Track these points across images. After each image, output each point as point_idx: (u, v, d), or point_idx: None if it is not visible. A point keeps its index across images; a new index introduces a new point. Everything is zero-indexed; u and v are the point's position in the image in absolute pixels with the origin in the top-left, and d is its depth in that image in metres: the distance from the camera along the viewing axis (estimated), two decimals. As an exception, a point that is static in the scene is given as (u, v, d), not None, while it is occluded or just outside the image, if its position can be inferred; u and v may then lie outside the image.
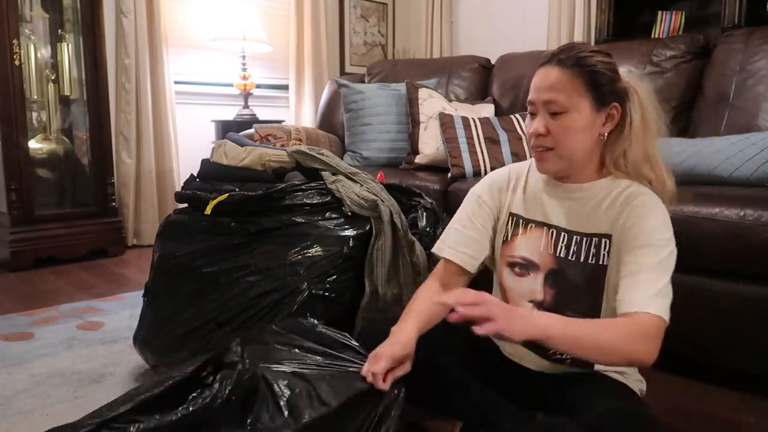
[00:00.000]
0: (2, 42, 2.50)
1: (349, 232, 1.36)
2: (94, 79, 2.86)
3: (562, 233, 1.04)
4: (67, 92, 2.91)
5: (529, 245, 1.08)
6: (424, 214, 1.53)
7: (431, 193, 2.04)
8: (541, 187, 1.09)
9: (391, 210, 1.38)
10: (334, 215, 1.38)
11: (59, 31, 2.90)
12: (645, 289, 0.90)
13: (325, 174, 1.47)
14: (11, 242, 2.62)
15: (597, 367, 1.03)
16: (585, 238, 1.01)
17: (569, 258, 1.03)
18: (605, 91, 0.97)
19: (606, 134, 1.00)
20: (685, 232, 1.31)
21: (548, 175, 1.07)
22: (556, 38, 3.20)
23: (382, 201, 1.39)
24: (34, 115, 2.88)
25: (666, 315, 0.89)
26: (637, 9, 2.98)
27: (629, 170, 1.00)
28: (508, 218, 1.12)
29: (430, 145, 2.44)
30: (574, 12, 3.15)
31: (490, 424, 0.95)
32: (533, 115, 1.01)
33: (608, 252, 0.99)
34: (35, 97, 2.81)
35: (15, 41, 2.53)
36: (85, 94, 2.89)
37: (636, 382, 1.05)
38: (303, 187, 1.42)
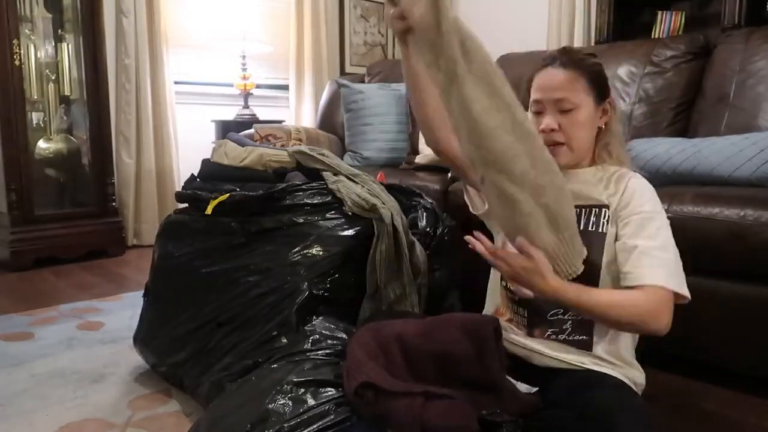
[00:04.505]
0: (2, 42, 2.50)
1: (350, 232, 1.35)
2: (94, 79, 2.86)
3: None
4: (67, 92, 2.92)
5: None
6: (424, 214, 1.52)
7: (431, 193, 2.04)
8: None
9: (392, 213, 1.38)
10: (334, 215, 1.38)
11: (59, 31, 2.90)
12: (651, 263, 0.97)
13: (327, 174, 1.47)
14: (11, 242, 2.62)
15: (598, 368, 1.03)
16: (584, 209, 1.08)
17: None
18: (602, 88, 1.09)
19: (603, 126, 1.11)
20: (685, 232, 1.31)
21: None
22: (556, 38, 3.20)
23: (383, 203, 1.39)
24: (34, 115, 2.88)
25: (675, 286, 0.95)
26: (637, 9, 2.98)
27: (612, 157, 1.12)
28: None
29: (430, 145, 2.44)
30: (574, 12, 3.14)
31: None
32: (539, 114, 1.10)
33: (607, 221, 1.05)
34: (35, 97, 2.81)
35: (15, 41, 2.53)
36: (85, 94, 2.89)
37: (638, 375, 1.06)
38: (303, 187, 1.42)
